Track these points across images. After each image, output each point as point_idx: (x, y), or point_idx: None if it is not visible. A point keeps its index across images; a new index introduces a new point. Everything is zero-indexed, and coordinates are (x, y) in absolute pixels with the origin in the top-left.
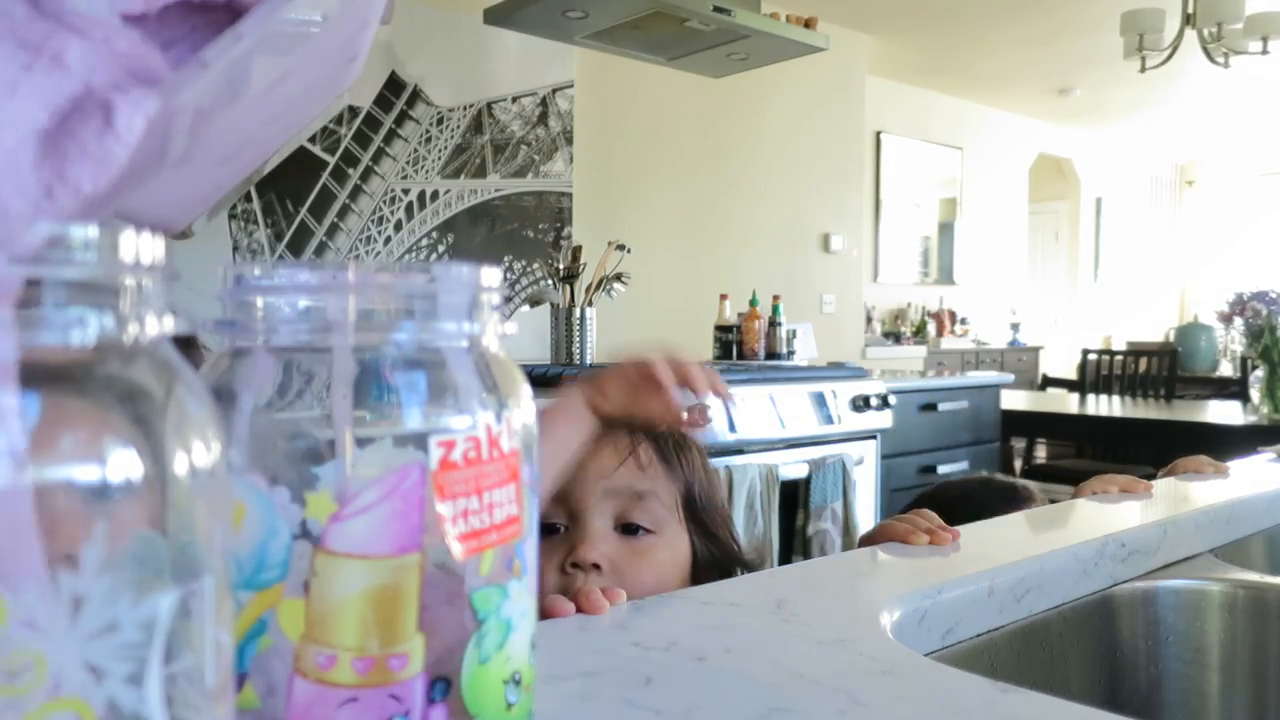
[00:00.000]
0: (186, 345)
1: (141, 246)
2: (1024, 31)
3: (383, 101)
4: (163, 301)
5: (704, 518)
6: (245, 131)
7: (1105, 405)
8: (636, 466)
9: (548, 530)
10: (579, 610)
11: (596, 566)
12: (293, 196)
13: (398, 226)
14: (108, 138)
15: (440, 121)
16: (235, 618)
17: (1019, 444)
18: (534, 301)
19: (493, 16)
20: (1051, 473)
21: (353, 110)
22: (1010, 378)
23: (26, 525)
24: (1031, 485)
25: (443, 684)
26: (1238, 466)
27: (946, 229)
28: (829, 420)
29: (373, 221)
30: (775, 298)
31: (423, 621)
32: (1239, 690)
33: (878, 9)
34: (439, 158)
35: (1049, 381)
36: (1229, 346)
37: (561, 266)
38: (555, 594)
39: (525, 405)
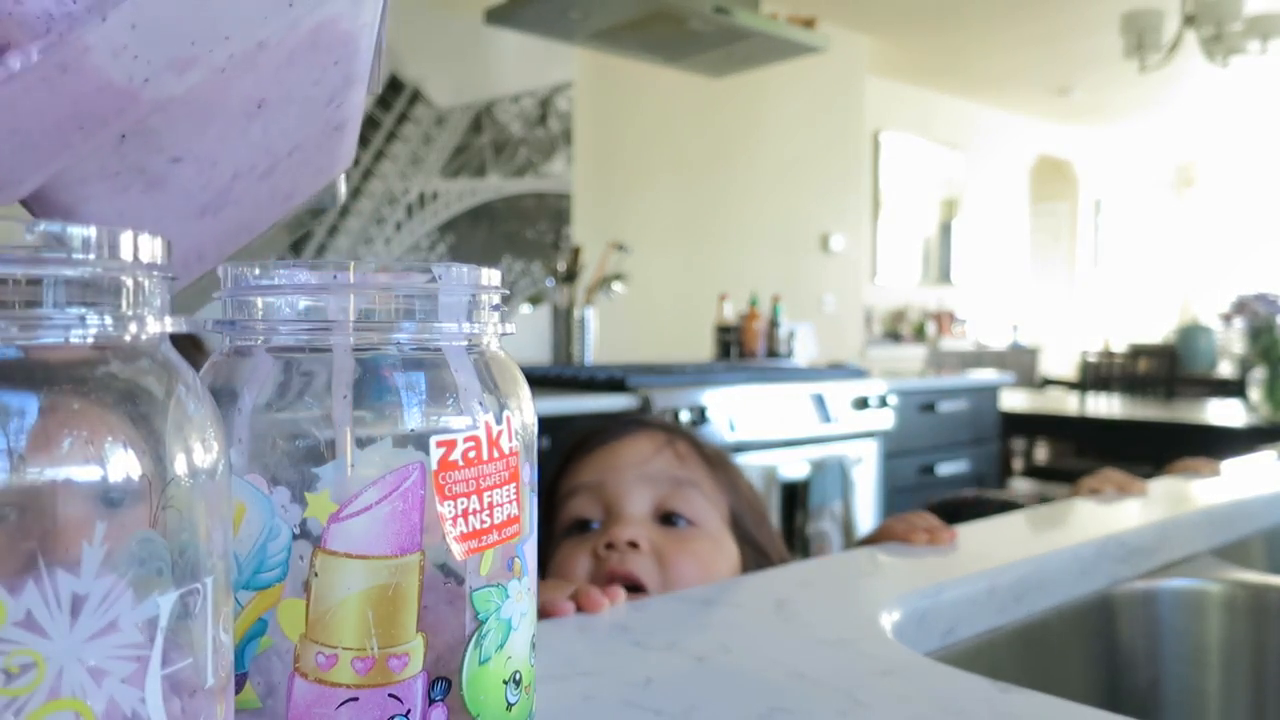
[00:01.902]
0: (190, 345)
1: (141, 246)
2: (1024, 31)
3: (383, 102)
4: (163, 301)
5: (754, 534)
6: (221, 172)
7: (1105, 406)
8: (674, 456)
9: (581, 526)
10: (579, 610)
11: (634, 545)
12: None
13: (398, 227)
14: None
15: (440, 122)
16: (235, 618)
17: (1019, 444)
18: (534, 301)
19: (493, 16)
20: (1051, 473)
21: None
22: (1010, 378)
23: None
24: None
25: (443, 684)
26: (1235, 466)
27: (946, 229)
28: (829, 420)
29: (373, 222)
30: (775, 298)
31: (423, 621)
32: (1239, 690)
33: (878, 9)
34: (439, 158)
35: (1049, 382)
36: (1229, 347)
37: (561, 267)
38: (585, 585)
39: (525, 405)
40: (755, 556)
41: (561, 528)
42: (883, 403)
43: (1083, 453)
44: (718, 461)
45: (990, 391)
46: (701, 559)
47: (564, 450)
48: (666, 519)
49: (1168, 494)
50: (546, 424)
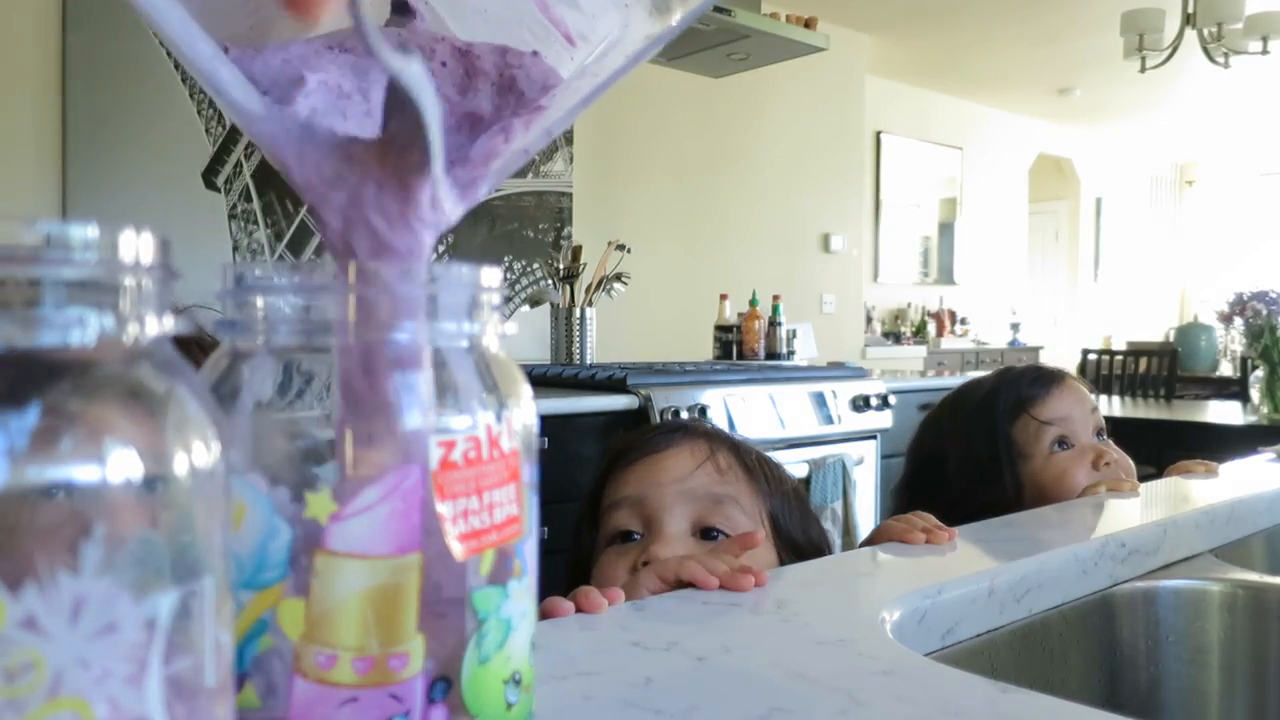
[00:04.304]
0: (194, 345)
1: (141, 246)
2: (1024, 31)
3: None
4: (163, 301)
5: (795, 535)
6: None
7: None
8: (715, 470)
9: (624, 537)
10: (578, 610)
11: None
12: (293, 196)
13: None
14: None
15: None
16: (235, 618)
17: None
18: (534, 301)
19: None
20: None
21: None
22: None
23: None
24: (1069, 373)
25: (443, 684)
26: (1234, 467)
27: (946, 229)
28: (829, 420)
29: None
30: (775, 298)
31: (423, 621)
32: (1239, 690)
33: (878, 9)
34: None
35: None
36: (1229, 346)
37: (561, 266)
38: (585, 584)
39: (525, 405)
40: (794, 560)
41: (605, 537)
42: (883, 403)
43: None
44: (759, 469)
45: None
46: None
47: (607, 456)
48: (706, 533)
49: (1168, 494)
50: (546, 424)
